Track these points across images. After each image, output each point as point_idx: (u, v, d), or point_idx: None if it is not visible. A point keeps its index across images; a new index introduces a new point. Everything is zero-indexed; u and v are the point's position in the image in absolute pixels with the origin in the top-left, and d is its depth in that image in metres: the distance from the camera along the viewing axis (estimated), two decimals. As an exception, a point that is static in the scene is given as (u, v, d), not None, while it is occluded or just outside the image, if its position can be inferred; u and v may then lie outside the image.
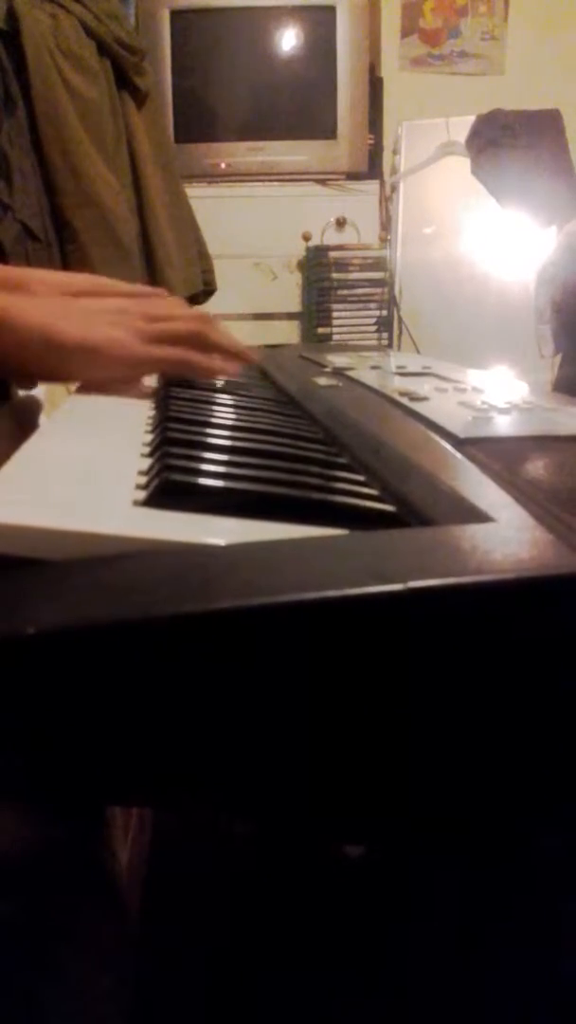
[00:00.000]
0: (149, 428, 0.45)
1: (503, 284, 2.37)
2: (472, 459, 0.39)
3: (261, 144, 2.45)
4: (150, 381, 0.63)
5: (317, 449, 0.43)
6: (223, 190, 2.43)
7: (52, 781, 0.25)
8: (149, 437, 0.42)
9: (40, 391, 0.74)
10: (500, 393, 0.58)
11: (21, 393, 0.71)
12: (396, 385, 0.60)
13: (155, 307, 0.63)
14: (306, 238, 2.43)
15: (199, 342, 0.61)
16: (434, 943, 0.47)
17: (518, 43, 2.67)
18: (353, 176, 2.47)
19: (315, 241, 2.43)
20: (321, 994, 0.52)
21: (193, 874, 0.69)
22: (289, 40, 2.45)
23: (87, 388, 0.59)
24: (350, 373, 0.70)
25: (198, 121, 2.46)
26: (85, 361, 0.56)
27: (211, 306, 2.07)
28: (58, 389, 0.76)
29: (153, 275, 1.81)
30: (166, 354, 0.59)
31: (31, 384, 0.68)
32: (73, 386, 0.61)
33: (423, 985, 0.47)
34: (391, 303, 2.43)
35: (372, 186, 2.49)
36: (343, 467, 0.40)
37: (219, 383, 0.64)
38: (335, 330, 2.42)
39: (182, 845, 0.71)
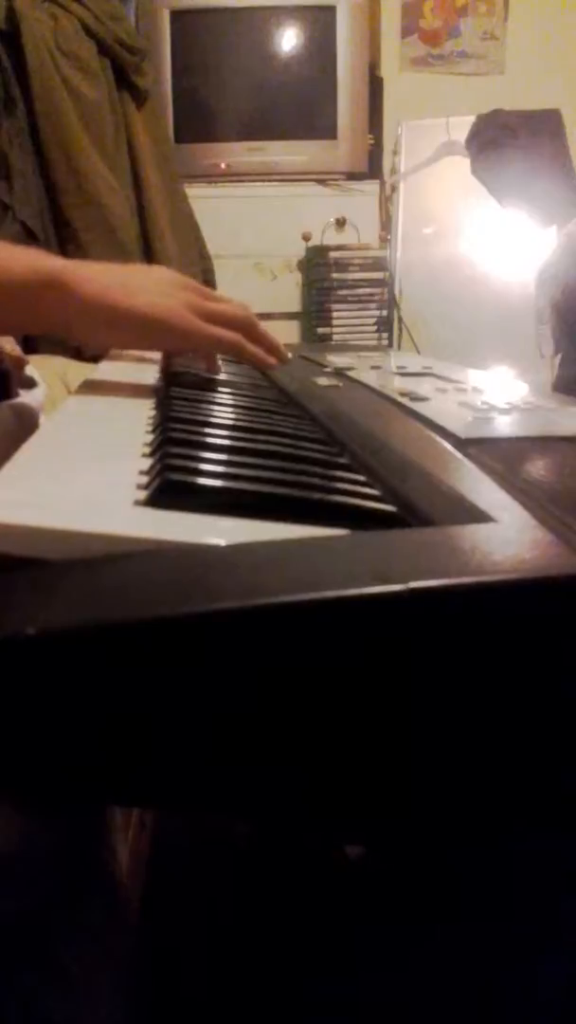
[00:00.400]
0: (150, 428, 0.45)
1: (503, 284, 2.37)
2: (473, 459, 0.39)
3: (261, 144, 2.45)
4: (151, 380, 0.63)
5: (318, 449, 0.43)
6: (223, 190, 2.43)
7: (52, 781, 0.25)
8: (150, 437, 0.42)
9: (40, 391, 0.74)
10: (501, 393, 0.58)
11: (22, 393, 0.71)
12: (397, 385, 0.60)
13: (206, 287, 0.64)
14: (306, 238, 2.43)
15: (247, 330, 0.62)
16: (434, 943, 0.47)
17: (518, 43, 2.67)
18: (353, 176, 2.47)
19: (315, 241, 2.43)
20: (321, 994, 0.52)
21: (193, 874, 0.69)
22: (289, 40, 2.45)
23: (89, 385, 0.59)
24: (350, 373, 0.70)
25: (198, 121, 2.46)
26: (146, 330, 0.58)
27: (211, 306, 2.07)
28: (60, 389, 0.76)
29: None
30: (222, 334, 0.60)
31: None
32: (74, 386, 0.61)
33: (423, 985, 0.47)
34: (391, 303, 2.43)
35: (372, 186, 2.49)
36: (344, 467, 0.40)
37: (219, 383, 0.65)
38: (335, 330, 2.42)
39: (182, 845, 0.71)
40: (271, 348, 0.64)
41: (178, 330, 0.58)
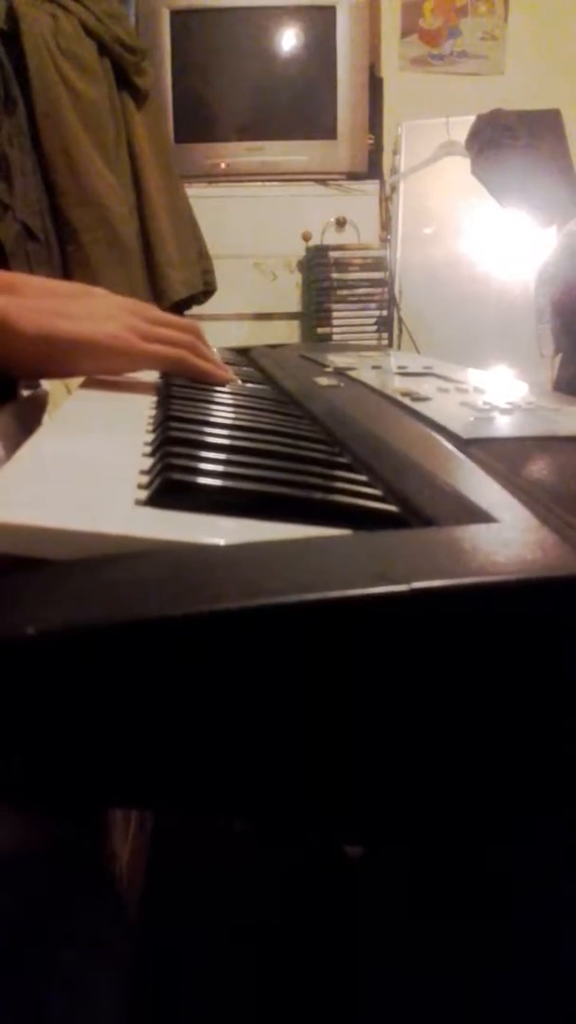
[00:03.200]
0: (150, 427, 0.45)
1: (503, 284, 2.37)
2: (475, 459, 0.38)
3: (261, 144, 2.45)
4: (151, 379, 0.63)
5: (319, 449, 0.43)
6: (223, 190, 2.43)
7: (52, 782, 0.25)
8: (150, 436, 0.42)
9: (43, 392, 0.74)
10: (502, 393, 0.58)
11: (25, 393, 0.71)
12: (397, 385, 0.60)
13: (151, 310, 0.64)
14: (306, 238, 2.43)
15: (191, 349, 0.63)
16: (433, 943, 0.46)
17: (518, 43, 2.67)
18: (353, 176, 2.47)
19: (315, 241, 2.43)
20: (321, 994, 0.52)
21: (193, 874, 0.69)
22: (289, 40, 2.45)
23: (89, 384, 0.59)
24: (351, 373, 0.70)
25: (198, 121, 2.46)
26: (86, 355, 0.57)
27: (211, 306, 2.08)
28: (60, 389, 0.76)
29: (153, 275, 1.81)
30: (164, 352, 0.61)
31: (36, 381, 0.69)
32: (74, 385, 0.61)
33: (422, 984, 0.47)
34: (391, 303, 2.43)
35: (372, 186, 2.49)
36: (345, 467, 0.40)
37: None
38: (335, 330, 2.42)
39: (182, 845, 0.70)
40: (217, 365, 0.65)
41: (117, 351, 0.58)
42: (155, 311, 0.66)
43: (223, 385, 0.64)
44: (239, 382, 0.67)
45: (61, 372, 0.61)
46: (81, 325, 0.57)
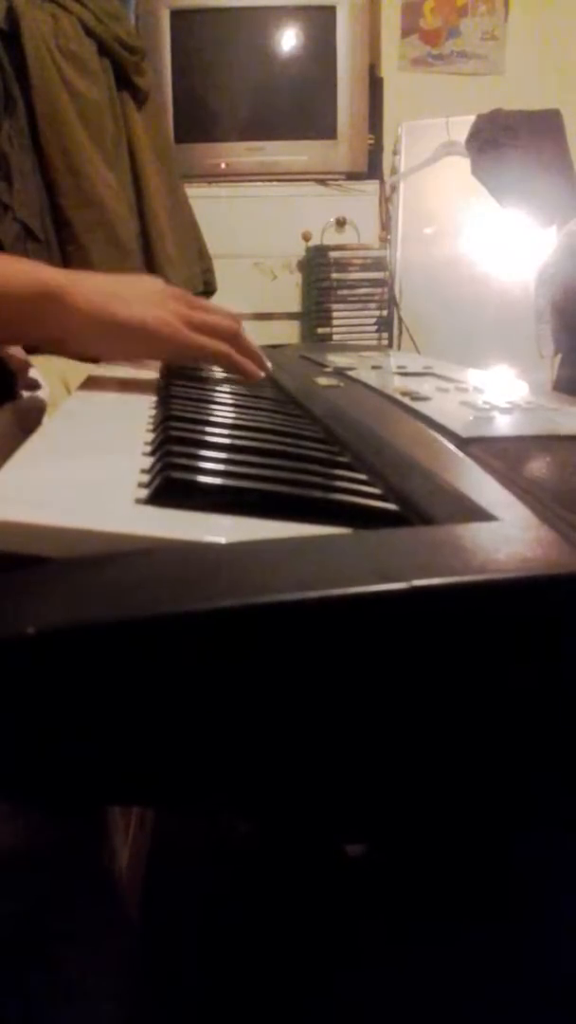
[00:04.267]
0: (151, 427, 0.45)
1: (503, 284, 2.37)
2: (475, 458, 0.38)
3: (261, 144, 2.45)
4: (151, 379, 0.63)
5: (319, 448, 0.43)
6: (223, 190, 2.43)
7: (52, 781, 0.25)
8: (151, 436, 0.42)
9: (43, 392, 0.74)
10: (502, 393, 0.58)
11: (25, 394, 0.71)
12: (397, 385, 0.60)
13: (191, 296, 0.65)
14: (306, 238, 2.43)
15: (233, 339, 0.63)
16: (433, 942, 0.46)
17: (518, 43, 2.67)
18: (353, 176, 2.47)
19: (315, 241, 2.43)
20: (320, 993, 0.52)
21: (193, 874, 0.69)
22: (289, 40, 2.45)
23: (90, 384, 0.59)
24: (351, 373, 0.70)
25: (198, 121, 2.46)
26: (138, 340, 0.59)
27: (211, 306, 2.07)
28: (60, 389, 0.76)
29: (153, 275, 1.81)
30: (211, 345, 0.61)
31: (36, 383, 0.69)
32: (75, 385, 0.61)
33: (421, 985, 0.47)
34: (391, 303, 2.43)
35: (372, 186, 2.49)
36: (345, 466, 0.40)
37: (220, 381, 0.65)
38: (335, 330, 2.42)
39: (182, 845, 0.70)
40: (256, 359, 0.65)
41: (169, 340, 0.59)
42: (198, 299, 0.66)
43: (260, 378, 0.65)
44: (270, 371, 0.68)
45: (111, 354, 0.63)
46: (134, 309, 0.58)
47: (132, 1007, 0.40)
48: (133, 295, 0.60)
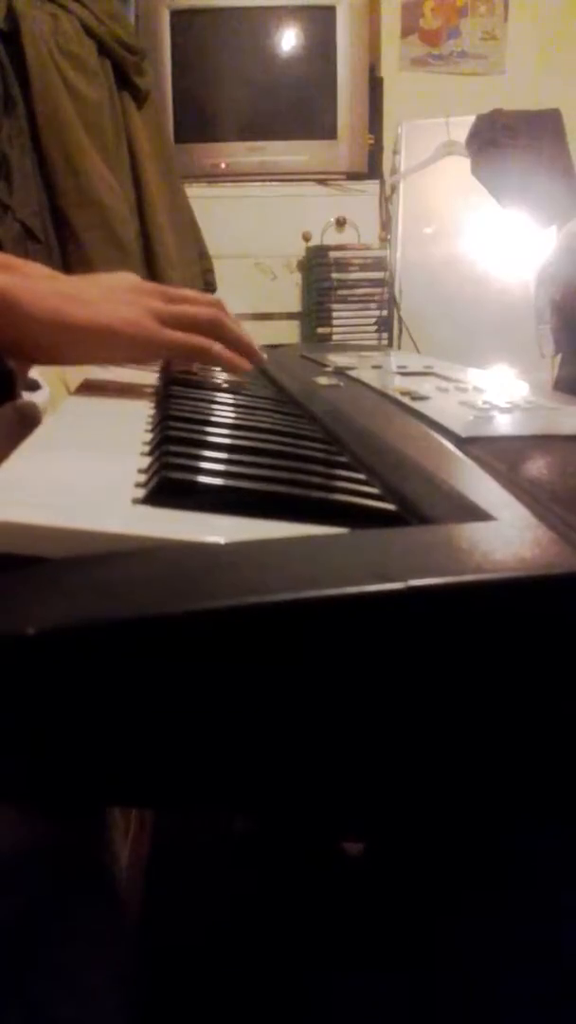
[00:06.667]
0: (149, 426, 0.45)
1: (503, 284, 2.37)
2: (473, 458, 0.38)
3: (261, 144, 2.45)
4: (150, 379, 0.63)
5: (317, 447, 0.43)
6: (223, 190, 2.43)
7: (52, 782, 0.25)
8: (149, 436, 0.42)
9: (44, 392, 0.74)
10: (501, 392, 0.58)
11: (25, 394, 0.71)
12: (397, 384, 0.60)
13: (170, 288, 0.61)
14: (306, 238, 2.43)
15: (215, 330, 0.58)
16: (433, 942, 0.46)
17: (518, 43, 2.67)
18: (353, 176, 2.47)
19: (315, 241, 2.43)
20: (321, 993, 0.52)
21: (193, 874, 0.69)
22: (289, 40, 2.45)
23: (89, 384, 0.59)
24: (351, 372, 0.70)
25: (198, 121, 2.46)
26: (99, 343, 0.54)
27: (211, 306, 2.07)
28: (60, 389, 0.76)
29: (153, 275, 1.81)
30: (185, 339, 0.57)
31: (36, 383, 0.68)
32: (75, 384, 0.61)
33: (420, 985, 0.47)
34: (391, 303, 2.43)
35: (372, 186, 2.49)
36: (344, 465, 0.40)
37: (220, 382, 0.64)
38: (335, 330, 2.42)
39: (182, 845, 0.70)
40: (244, 347, 0.60)
41: (139, 340, 0.54)
42: (177, 290, 0.61)
43: (248, 369, 0.60)
44: (264, 362, 0.63)
45: (75, 359, 0.57)
46: (95, 310, 0.53)
47: (132, 1007, 0.40)
48: (96, 295, 0.55)
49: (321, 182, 2.46)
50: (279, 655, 0.23)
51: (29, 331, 0.52)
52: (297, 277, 2.46)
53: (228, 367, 0.60)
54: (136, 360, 0.59)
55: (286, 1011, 0.53)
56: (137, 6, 2.36)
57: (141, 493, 0.31)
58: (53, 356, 0.57)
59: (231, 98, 2.50)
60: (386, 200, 2.54)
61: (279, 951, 0.57)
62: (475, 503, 0.31)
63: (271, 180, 2.45)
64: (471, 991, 0.44)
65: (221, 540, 0.27)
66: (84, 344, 0.54)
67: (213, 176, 2.45)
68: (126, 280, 0.60)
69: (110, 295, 0.56)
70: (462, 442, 0.41)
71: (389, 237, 2.51)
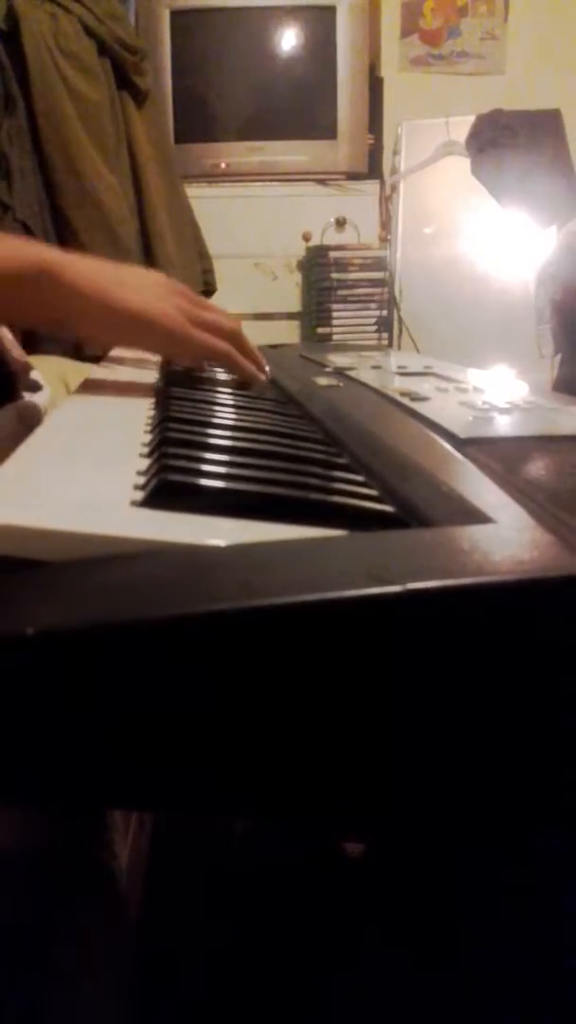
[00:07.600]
0: (148, 428, 0.45)
1: (503, 284, 2.37)
2: (473, 459, 0.39)
3: (261, 144, 2.45)
4: (150, 380, 0.63)
5: (317, 449, 0.43)
6: (223, 190, 2.43)
7: (52, 782, 0.25)
8: (148, 437, 0.42)
9: (44, 393, 0.74)
10: (501, 393, 0.58)
11: (26, 395, 0.71)
12: (397, 385, 0.60)
13: (195, 295, 0.64)
14: (306, 238, 2.43)
15: (235, 339, 0.62)
16: (432, 942, 0.47)
17: (518, 43, 2.67)
18: (353, 176, 2.47)
19: (315, 241, 2.43)
20: (321, 994, 0.52)
21: (193, 874, 0.69)
22: (289, 40, 2.45)
23: (88, 385, 0.59)
24: (351, 373, 0.70)
25: (198, 121, 2.46)
26: (140, 330, 0.57)
27: (211, 306, 2.07)
28: (60, 389, 0.76)
29: (154, 274, 1.81)
30: (214, 343, 0.60)
31: (37, 383, 0.69)
32: (74, 385, 0.61)
33: (419, 984, 0.47)
34: (391, 303, 2.43)
35: (372, 186, 2.48)
36: (343, 467, 0.40)
37: (219, 383, 0.64)
38: (335, 330, 2.42)
39: (182, 845, 0.70)
40: (256, 362, 0.64)
41: (171, 333, 0.58)
42: (200, 297, 0.64)
43: (261, 382, 0.63)
44: (268, 377, 0.67)
45: (112, 340, 0.61)
46: (140, 298, 0.56)
47: (132, 1007, 0.40)
48: (136, 284, 0.58)
49: (321, 182, 2.46)
50: (278, 658, 0.23)
51: (76, 307, 0.55)
52: (297, 277, 2.46)
53: (245, 376, 0.63)
54: (163, 353, 0.62)
55: (286, 1011, 0.53)
56: (137, 6, 2.36)
57: (140, 495, 0.31)
58: (93, 335, 0.60)
59: (231, 98, 2.50)
60: (386, 200, 2.53)
61: (279, 951, 0.57)
62: (474, 505, 0.31)
63: (271, 180, 2.45)
64: (471, 991, 0.44)
65: (220, 543, 0.27)
66: (124, 328, 0.57)
67: (213, 176, 2.44)
68: (159, 277, 0.63)
69: (148, 287, 0.59)
70: (461, 443, 0.41)
71: (389, 237, 2.50)
